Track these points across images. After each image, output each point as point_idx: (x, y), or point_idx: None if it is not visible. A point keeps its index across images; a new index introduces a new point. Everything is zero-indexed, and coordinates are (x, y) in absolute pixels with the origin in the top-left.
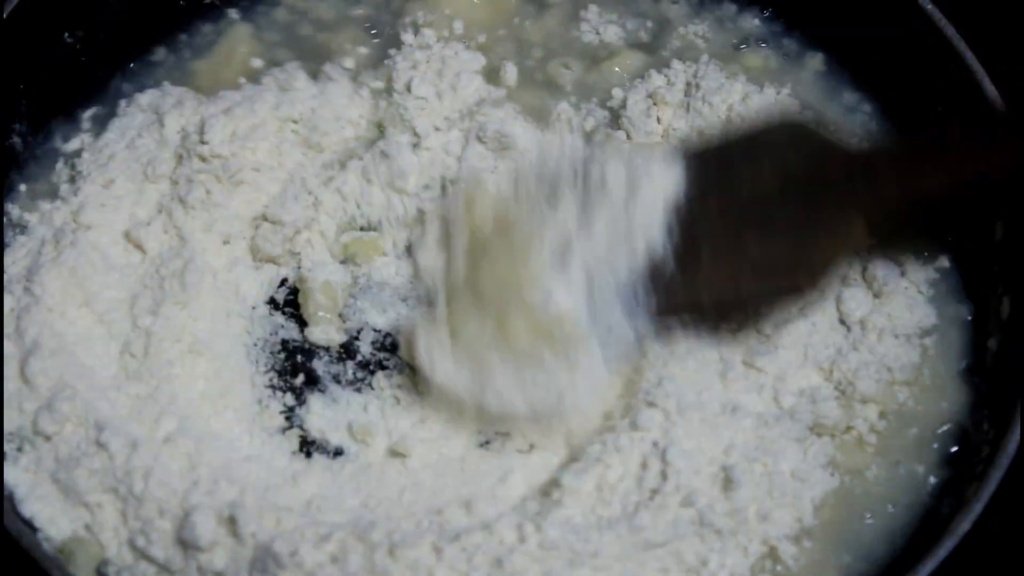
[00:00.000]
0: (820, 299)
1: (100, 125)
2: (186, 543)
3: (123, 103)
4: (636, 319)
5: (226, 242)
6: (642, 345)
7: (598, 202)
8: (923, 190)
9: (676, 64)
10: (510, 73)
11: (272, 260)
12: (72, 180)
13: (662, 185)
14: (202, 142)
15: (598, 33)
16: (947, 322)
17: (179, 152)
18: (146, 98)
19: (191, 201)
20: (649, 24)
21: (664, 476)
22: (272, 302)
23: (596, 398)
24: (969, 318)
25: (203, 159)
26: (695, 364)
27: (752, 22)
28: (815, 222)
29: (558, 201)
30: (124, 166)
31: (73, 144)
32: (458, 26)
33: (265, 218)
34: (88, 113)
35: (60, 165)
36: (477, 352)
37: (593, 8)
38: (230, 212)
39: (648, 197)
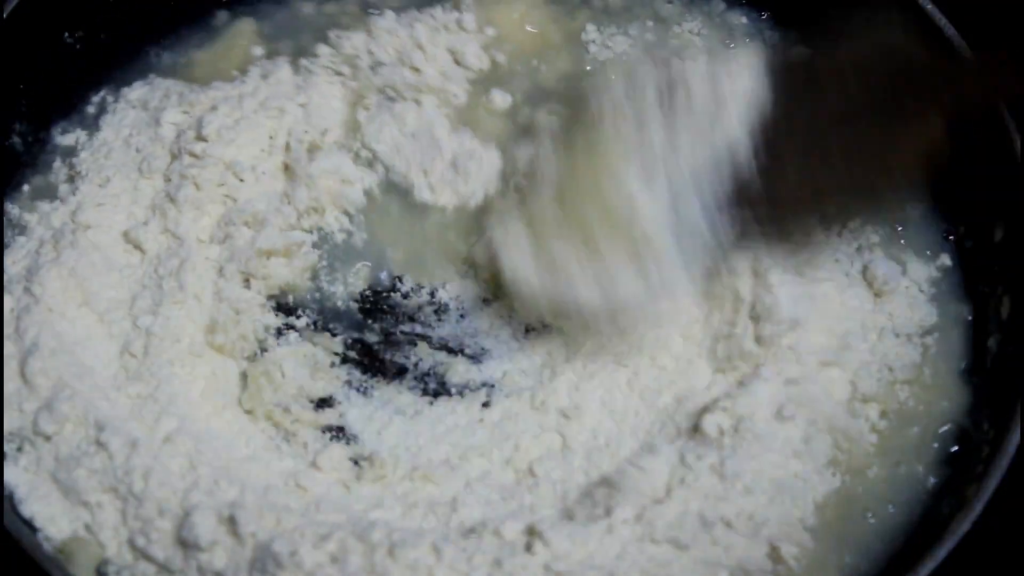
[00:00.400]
0: (896, 202)
1: (95, 122)
2: (186, 543)
3: (111, 99)
4: (719, 231)
5: (225, 239)
6: (724, 254)
7: (683, 120)
8: (1001, 92)
9: (675, 64)
10: (500, 99)
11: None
12: (71, 180)
13: (745, 101)
14: (199, 138)
15: (608, 47)
16: (948, 321)
17: (173, 149)
18: (135, 93)
19: (180, 198)
20: (650, 23)
21: (685, 475)
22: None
23: (673, 302)
24: (969, 318)
25: (195, 156)
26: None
27: (740, 19)
28: (895, 121)
29: (644, 120)
30: (120, 164)
31: (68, 140)
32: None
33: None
34: (85, 110)
35: (58, 163)
36: (558, 253)
37: (590, 27)
38: (224, 210)
39: (732, 114)
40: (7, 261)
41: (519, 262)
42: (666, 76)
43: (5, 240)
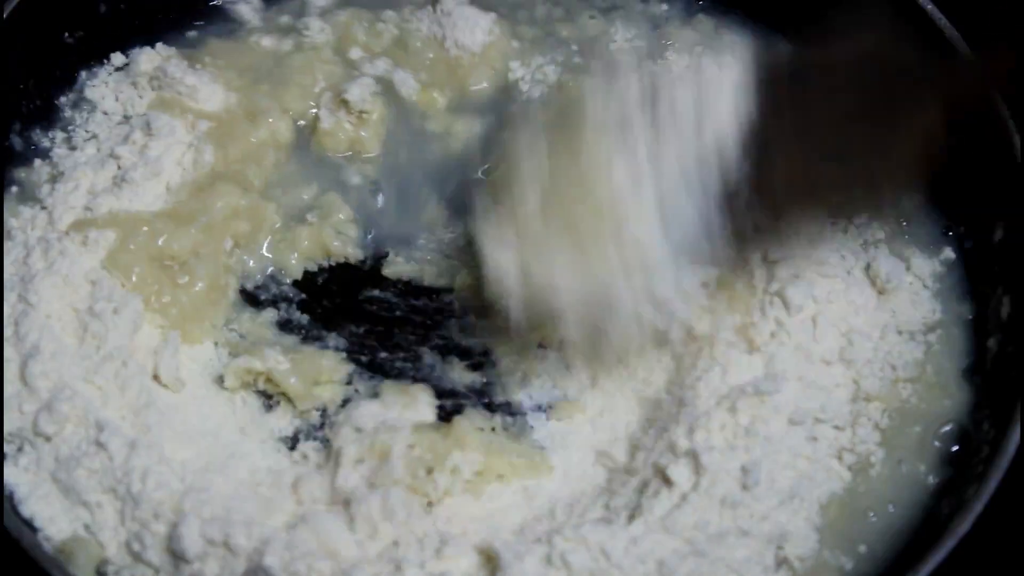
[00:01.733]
0: (896, 196)
1: (71, 120)
2: (174, 553)
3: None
4: (711, 232)
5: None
6: (718, 259)
7: (667, 122)
8: (997, 86)
9: (670, 55)
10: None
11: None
12: (52, 180)
13: (733, 105)
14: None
15: (541, 80)
16: (951, 318)
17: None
18: (97, 89)
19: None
20: (575, 47)
21: (696, 477)
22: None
23: (676, 311)
24: (970, 317)
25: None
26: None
27: (660, 7)
28: (891, 118)
29: (628, 122)
30: (91, 164)
31: (45, 142)
32: None
33: None
34: (63, 108)
35: (39, 162)
36: (544, 249)
37: (514, 64)
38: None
39: (718, 114)
40: None
41: (502, 257)
42: (649, 78)
43: None
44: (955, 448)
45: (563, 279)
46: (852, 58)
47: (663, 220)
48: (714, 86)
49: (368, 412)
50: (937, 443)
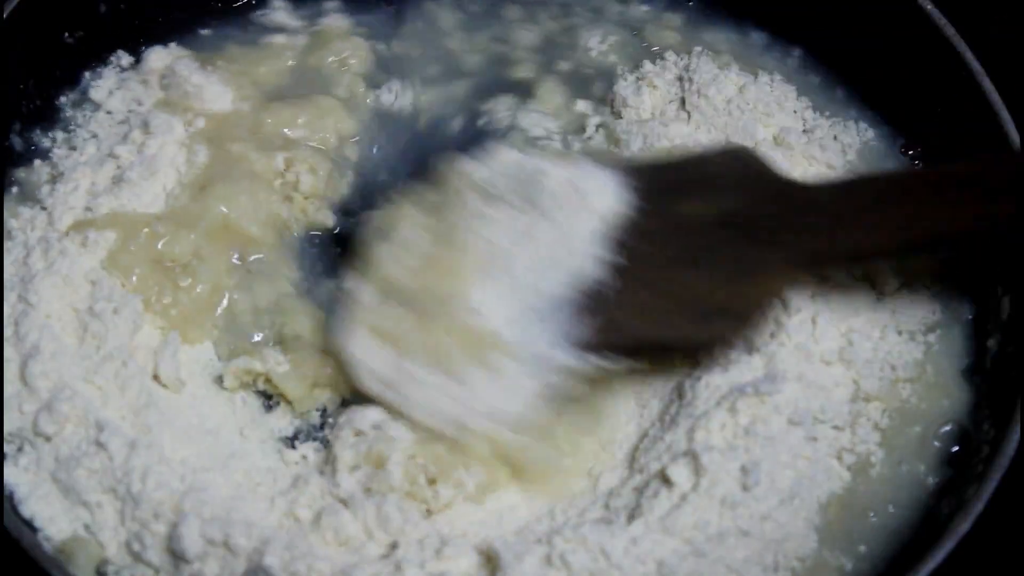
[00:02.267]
0: (748, 340)
1: (71, 121)
2: (174, 553)
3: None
4: (560, 346)
5: None
6: (564, 374)
7: (536, 219)
8: (858, 246)
9: (669, 55)
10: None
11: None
12: (52, 180)
13: (602, 206)
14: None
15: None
16: (951, 318)
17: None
18: (100, 91)
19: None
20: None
21: (696, 477)
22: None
23: (519, 416)
24: (970, 317)
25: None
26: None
27: (640, 8)
28: (747, 264)
29: (497, 212)
30: (90, 164)
31: (45, 142)
32: None
33: None
34: (64, 108)
35: (39, 163)
36: (403, 358)
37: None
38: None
39: (586, 217)
40: None
41: (373, 373)
42: (525, 170)
43: None
44: (955, 448)
45: (421, 388)
46: (708, 214)
47: (517, 314)
48: (587, 182)
49: (366, 414)
50: (937, 443)
